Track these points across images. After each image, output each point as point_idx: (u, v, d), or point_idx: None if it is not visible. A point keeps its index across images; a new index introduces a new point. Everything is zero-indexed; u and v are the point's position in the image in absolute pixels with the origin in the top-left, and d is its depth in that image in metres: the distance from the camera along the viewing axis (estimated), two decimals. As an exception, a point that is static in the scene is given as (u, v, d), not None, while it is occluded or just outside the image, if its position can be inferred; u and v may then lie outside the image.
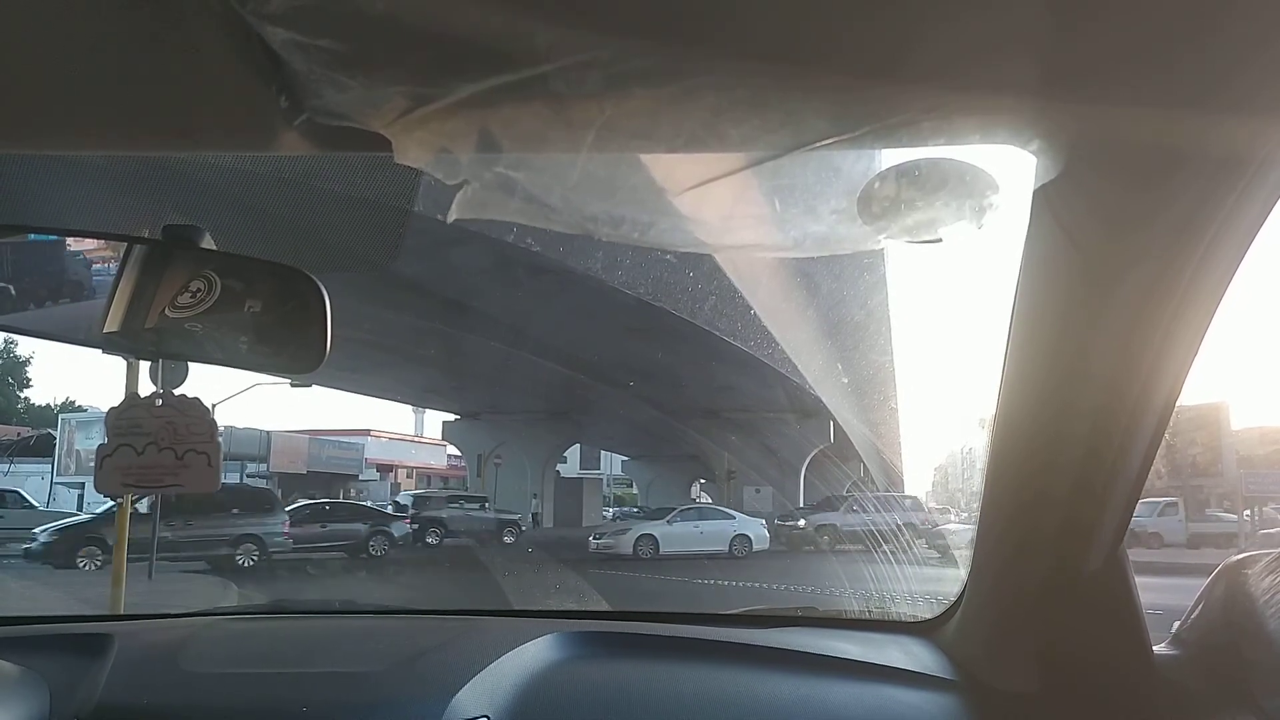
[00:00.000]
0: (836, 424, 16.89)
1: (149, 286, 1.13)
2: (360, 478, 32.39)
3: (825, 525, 18.29)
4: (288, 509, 15.22)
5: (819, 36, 0.68)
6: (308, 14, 0.65)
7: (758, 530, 16.95)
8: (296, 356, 1.16)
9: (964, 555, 1.29)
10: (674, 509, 18.53)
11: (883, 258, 12.09)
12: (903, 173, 0.85)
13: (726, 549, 16.06)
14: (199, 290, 1.10)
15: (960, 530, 15.52)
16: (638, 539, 16.09)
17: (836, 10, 0.66)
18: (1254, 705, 1.01)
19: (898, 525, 18.07)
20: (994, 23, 0.66)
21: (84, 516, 14.30)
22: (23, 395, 37.53)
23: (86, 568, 11.23)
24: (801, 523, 18.87)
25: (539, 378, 17.36)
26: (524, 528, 24.04)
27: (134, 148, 1.17)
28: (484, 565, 14.59)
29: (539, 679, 1.26)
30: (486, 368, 17.99)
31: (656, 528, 16.58)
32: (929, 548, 16.55)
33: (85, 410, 29.94)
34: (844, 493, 19.85)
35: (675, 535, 16.24)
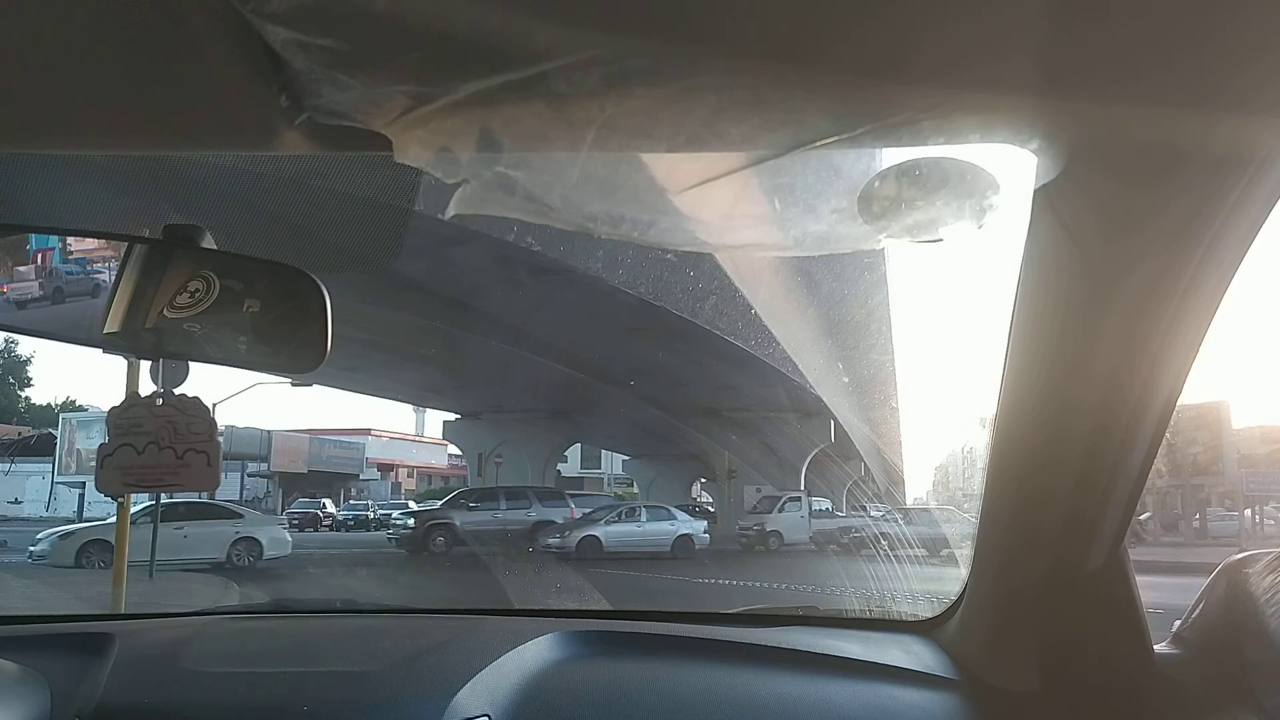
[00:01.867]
0: (837, 423, 16.86)
1: (149, 286, 1.13)
2: (361, 477, 32.43)
3: (439, 525, 16.51)
4: None
5: (819, 36, 0.68)
6: (308, 13, 0.65)
7: (274, 534, 14.41)
8: (297, 356, 1.16)
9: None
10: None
11: (883, 257, 12.11)
12: (903, 172, 0.85)
13: (224, 556, 13.40)
14: (198, 290, 1.10)
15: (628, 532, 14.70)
16: (81, 547, 12.64)
17: (836, 10, 0.66)
18: (1255, 704, 1.01)
19: (535, 523, 17.08)
20: (994, 23, 0.66)
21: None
22: (23, 395, 37.64)
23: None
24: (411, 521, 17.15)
25: (540, 377, 17.31)
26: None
27: (134, 148, 1.17)
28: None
29: (539, 678, 1.26)
30: (487, 367, 17.96)
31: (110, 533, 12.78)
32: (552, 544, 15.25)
33: (86, 409, 29.98)
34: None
35: (161, 542, 12.77)
